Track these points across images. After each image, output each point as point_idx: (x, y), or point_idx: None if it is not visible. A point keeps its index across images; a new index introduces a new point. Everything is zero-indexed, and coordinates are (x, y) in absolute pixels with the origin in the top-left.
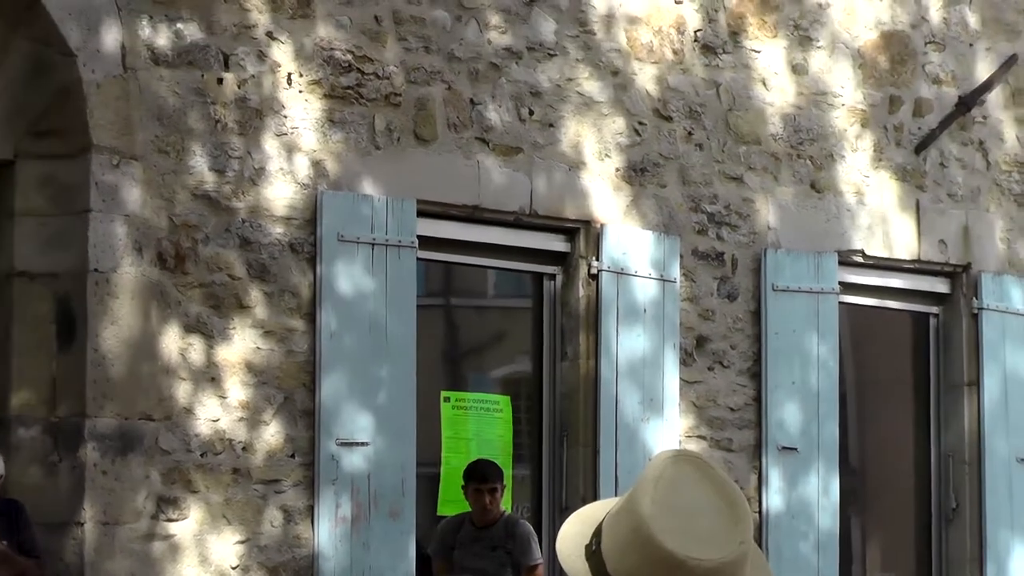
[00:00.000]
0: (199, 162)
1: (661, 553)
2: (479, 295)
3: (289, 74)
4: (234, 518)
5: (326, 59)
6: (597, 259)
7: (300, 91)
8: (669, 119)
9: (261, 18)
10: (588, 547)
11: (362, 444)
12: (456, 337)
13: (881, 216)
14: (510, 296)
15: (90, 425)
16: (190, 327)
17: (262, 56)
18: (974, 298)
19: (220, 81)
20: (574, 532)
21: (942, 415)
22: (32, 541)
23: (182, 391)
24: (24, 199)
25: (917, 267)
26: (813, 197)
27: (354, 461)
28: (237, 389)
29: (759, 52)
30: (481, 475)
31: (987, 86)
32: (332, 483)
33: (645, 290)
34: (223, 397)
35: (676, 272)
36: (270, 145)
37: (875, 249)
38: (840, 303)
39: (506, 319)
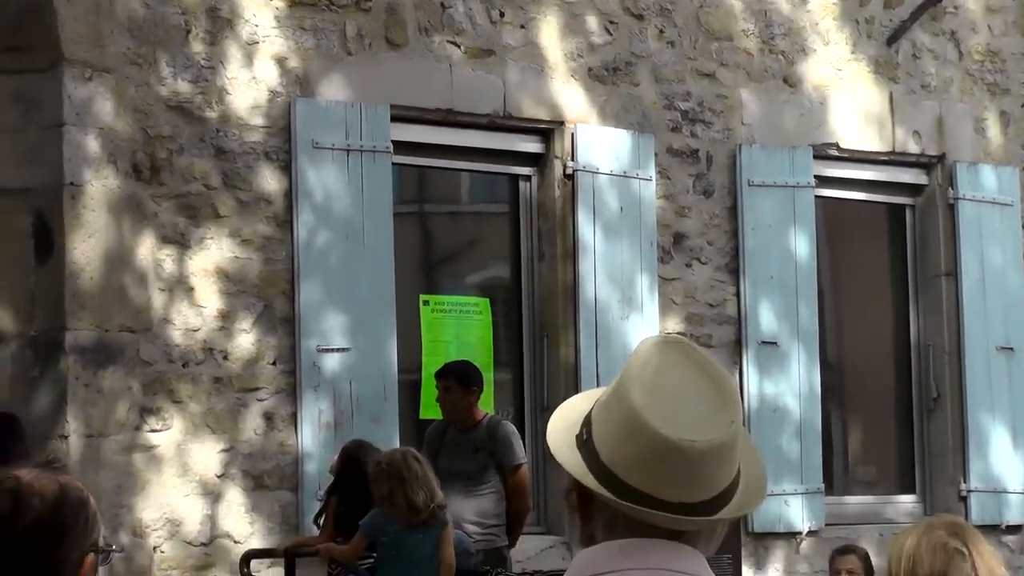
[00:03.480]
0: (171, 73)
1: (654, 437)
2: (453, 201)
3: None
4: (217, 427)
5: None
6: (572, 159)
7: None
8: (640, 18)
9: None
10: (579, 437)
11: (342, 350)
12: (432, 243)
13: (855, 109)
14: (484, 201)
15: (70, 338)
16: (167, 237)
17: None
18: (950, 188)
19: None
20: (563, 425)
21: (920, 306)
22: (24, 454)
23: (160, 302)
24: None
25: (892, 159)
26: (786, 92)
27: (335, 367)
28: (215, 298)
29: None
30: (440, 372)
31: None
32: (314, 389)
33: (621, 189)
34: (202, 306)
35: (651, 170)
36: (242, 54)
37: (849, 142)
38: (816, 196)
39: (481, 224)
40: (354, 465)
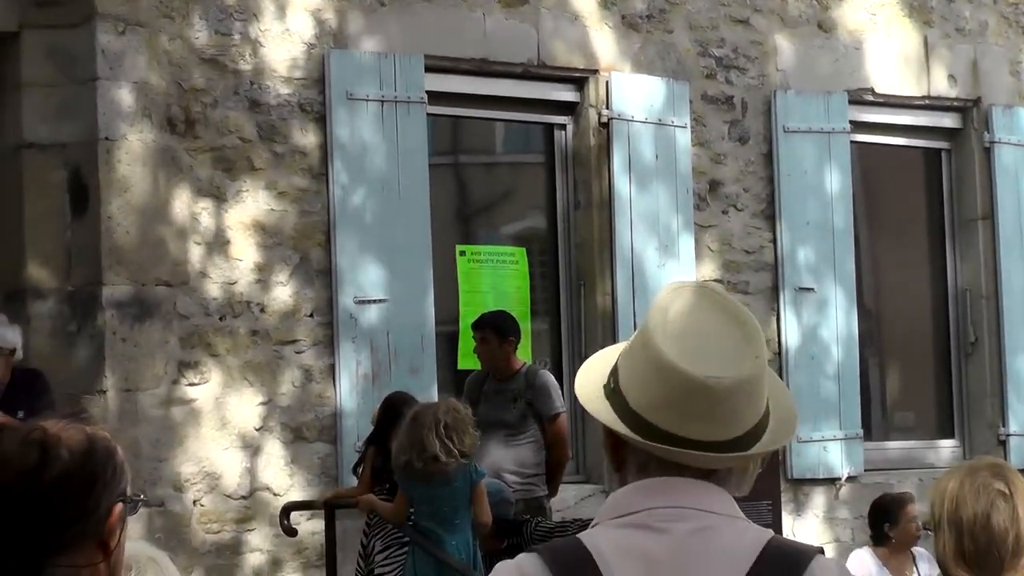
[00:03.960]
0: (204, 25)
1: (680, 377)
2: (488, 151)
3: None
4: (255, 380)
5: None
6: (607, 107)
7: None
8: None
9: None
10: (607, 387)
11: (379, 301)
12: (467, 194)
13: (890, 53)
14: (519, 151)
15: (107, 293)
16: (202, 191)
17: None
18: (985, 132)
19: None
20: (591, 377)
21: (957, 250)
22: (49, 408)
23: (197, 255)
24: (30, 70)
25: (927, 103)
26: (821, 36)
27: (372, 319)
28: (252, 251)
29: None
30: (476, 323)
31: None
32: (351, 341)
33: (656, 137)
34: (238, 259)
35: (686, 117)
36: (275, 5)
37: (885, 87)
38: (851, 142)
39: (516, 173)
40: (393, 416)
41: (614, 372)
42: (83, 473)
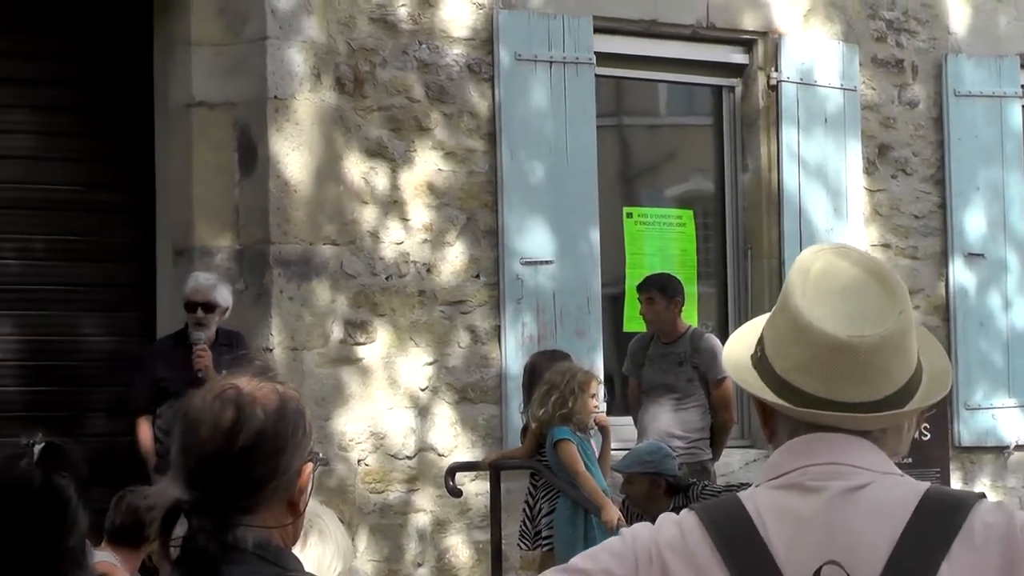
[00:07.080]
0: None
1: (824, 338)
2: (655, 113)
3: None
4: (421, 340)
5: None
6: (776, 70)
7: None
8: None
9: None
10: (754, 356)
11: (546, 263)
12: (632, 156)
13: None
14: (684, 114)
15: (275, 251)
16: (371, 151)
17: None
18: None
19: None
20: (737, 350)
21: None
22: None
23: (365, 215)
24: (200, 28)
25: None
26: (992, 0)
27: (539, 280)
28: (420, 211)
29: None
30: (642, 284)
31: None
32: (517, 302)
33: (825, 99)
34: (406, 220)
35: (856, 80)
36: None
37: None
38: (1023, 107)
39: (682, 136)
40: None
41: (760, 341)
42: (276, 433)
